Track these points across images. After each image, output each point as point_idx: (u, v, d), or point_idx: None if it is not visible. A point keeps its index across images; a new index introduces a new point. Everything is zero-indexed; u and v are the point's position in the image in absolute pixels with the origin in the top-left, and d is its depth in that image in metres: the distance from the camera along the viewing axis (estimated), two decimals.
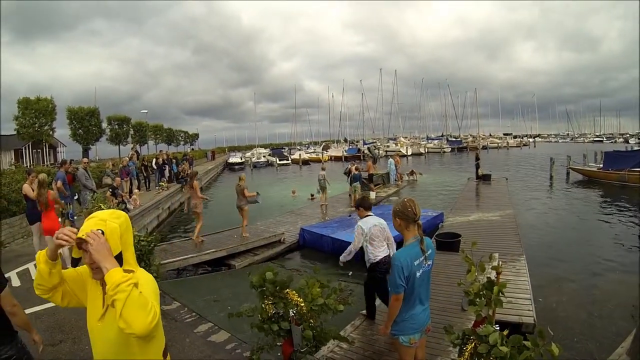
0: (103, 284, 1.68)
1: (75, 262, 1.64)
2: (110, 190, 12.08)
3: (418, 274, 2.92)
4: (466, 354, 2.68)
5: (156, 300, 1.67)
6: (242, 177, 11.60)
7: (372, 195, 18.53)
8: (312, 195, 19.46)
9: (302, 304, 3.62)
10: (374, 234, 5.22)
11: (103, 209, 7.83)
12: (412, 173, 26.81)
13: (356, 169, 16.94)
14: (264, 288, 3.67)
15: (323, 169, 16.50)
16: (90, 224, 1.69)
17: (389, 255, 5.22)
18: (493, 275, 2.88)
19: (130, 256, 1.81)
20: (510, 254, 8.48)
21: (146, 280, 1.74)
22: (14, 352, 2.62)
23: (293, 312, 3.59)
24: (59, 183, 9.92)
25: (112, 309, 1.62)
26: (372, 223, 5.25)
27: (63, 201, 9.52)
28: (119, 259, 1.70)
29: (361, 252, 5.54)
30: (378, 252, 5.22)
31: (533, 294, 6.49)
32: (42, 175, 7.74)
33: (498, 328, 2.64)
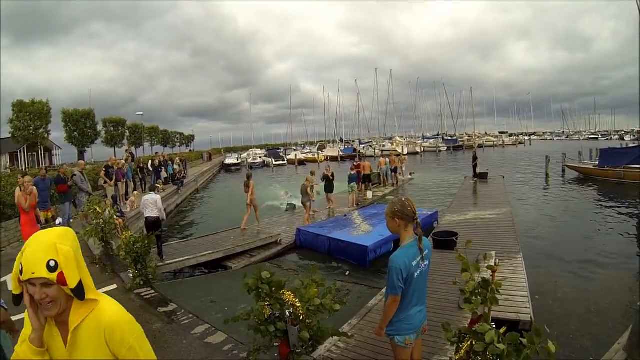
0: (59, 320, 1.50)
1: (18, 300, 1.44)
2: (112, 199, 12.18)
3: (416, 275, 2.88)
4: (462, 351, 2.69)
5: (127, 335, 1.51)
6: (309, 179, 13.97)
7: (369, 194, 18.54)
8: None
9: (298, 305, 3.61)
10: (146, 204, 9.10)
11: (99, 212, 7.83)
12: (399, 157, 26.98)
13: (352, 168, 16.90)
14: (260, 290, 3.65)
15: (312, 173, 15.22)
16: (37, 250, 1.39)
17: (158, 217, 9.15)
18: (489, 274, 2.88)
19: (89, 282, 1.50)
20: (507, 252, 8.48)
21: (111, 319, 1.50)
22: None
23: (289, 313, 3.58)
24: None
25: (77, 345, 1.48)
26: (146, 198, 9.27)
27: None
28: (80, 288, 1.44)
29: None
30: (148, 214, 9.06)
31: (530, 292, 6.50)
32: (27, 178, 7.72)
33: (494, 326, 2.64)
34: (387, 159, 24.08)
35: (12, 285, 1.42)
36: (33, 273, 1.36)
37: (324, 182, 16.03)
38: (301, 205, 15.12)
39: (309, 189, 13.67)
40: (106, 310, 1.51)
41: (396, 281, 2.80)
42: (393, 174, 23.36)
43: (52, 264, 1.38)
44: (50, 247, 1.40)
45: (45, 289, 1.40)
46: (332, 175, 15.69)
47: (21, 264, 1.38)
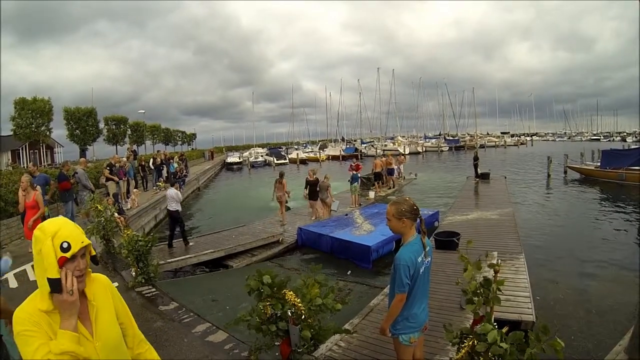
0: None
1: (58, 285, 1.48)
2: (113, 197, 12.15)
3: (421, 271, 2.89)
4: (462, 351, 2.68)
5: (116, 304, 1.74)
6: (328, 176, 14.81)
7: (372, 194, 18.50)
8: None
9: (300, 305, 3.60)
10: (171, 197, 10.20)
11: (100, 210, 7.84)
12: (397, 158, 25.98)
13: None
14: (261, 290, 3.64)
15: (314, 172, 14.95)
16: (73, 226, 1.59)
17: (177, 210, 10.28)
18: (491, 273, 2.87)
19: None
20: (509, 253, 8.48)
21: (106, 280, 1.76)
22: None
23: (291, 313, 3.58)
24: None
25: (99, 310, 1.64)
26: (169, 191, 10.41)
27: None
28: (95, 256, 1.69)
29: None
30: (172, 207, 10.21)
31: (532, 292, 6.49)
32: (24, 177, 7.74)
33: (496, 326, 2.64)
34: (384, 159, 22.59)
35: (52, 272, 1.48)
36: (82, 242, 1.55)
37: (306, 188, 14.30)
38: (294, 206, 15.15)
39: (329, 188, 14.32)
40: (98, 275, 1.75)
41: (404, 278, 2.80)
42: (388, 176, 21.66)
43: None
44: (76, 225, 1.61)
45: (83, 259, 1.59)
46: (317, 180, 14.09)
47: (66, 241, 1.51)
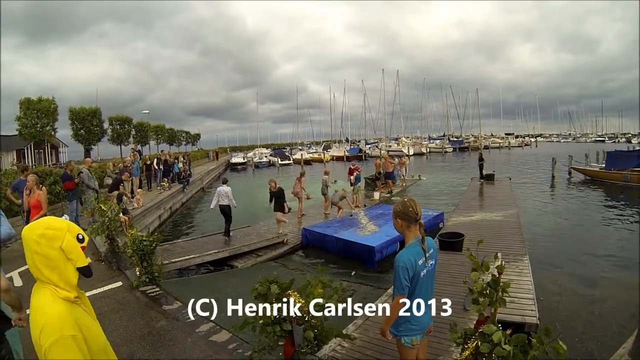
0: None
1: (89, 270, 1.71)
2: (117, 197, 12.14)
3: (422, 274, 2.86)
4: (466, 352, 2.68)
5: None
6: (345, 189, 15.34)
7: (376, 195, 18.46)
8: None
9: (304, 305, 3.60)
10: (221, 194, 11.09)
11: (104, 210, 7.87)
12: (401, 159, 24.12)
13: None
14: (267, 295, 3.64)
15: (326, 173, 15.85)
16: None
17: (229, 205, 11.20)
18: (496, 274, 2.86)
19: None
20: (513, 254, 8.45)
21: None
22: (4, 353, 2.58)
23: (295, 313, 3.58)
24: (9, 191, 9.73)
25: (87, 303, 1.81)
26: (220, 189, 11.22)
27: None
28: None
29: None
30: (222, 202, 11.12)
31: (535, 294, 6.46)
32: (30, 177, 7.71)
33: (500, 327, 2.63)
34: (382, 161, 20.89)
35: (83, 260, 1.68)
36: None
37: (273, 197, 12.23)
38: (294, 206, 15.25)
39: (345, 198, 14.72)
40: None
41: (402, 280, 2.77)
42: (387, 181, 20.13)
43: None
44: None
45: None
46: (280, 190, 12.07)
47: (80, 233, 1.70)
